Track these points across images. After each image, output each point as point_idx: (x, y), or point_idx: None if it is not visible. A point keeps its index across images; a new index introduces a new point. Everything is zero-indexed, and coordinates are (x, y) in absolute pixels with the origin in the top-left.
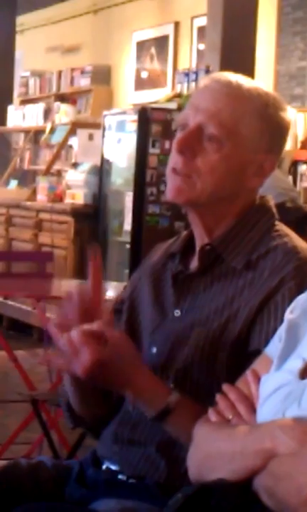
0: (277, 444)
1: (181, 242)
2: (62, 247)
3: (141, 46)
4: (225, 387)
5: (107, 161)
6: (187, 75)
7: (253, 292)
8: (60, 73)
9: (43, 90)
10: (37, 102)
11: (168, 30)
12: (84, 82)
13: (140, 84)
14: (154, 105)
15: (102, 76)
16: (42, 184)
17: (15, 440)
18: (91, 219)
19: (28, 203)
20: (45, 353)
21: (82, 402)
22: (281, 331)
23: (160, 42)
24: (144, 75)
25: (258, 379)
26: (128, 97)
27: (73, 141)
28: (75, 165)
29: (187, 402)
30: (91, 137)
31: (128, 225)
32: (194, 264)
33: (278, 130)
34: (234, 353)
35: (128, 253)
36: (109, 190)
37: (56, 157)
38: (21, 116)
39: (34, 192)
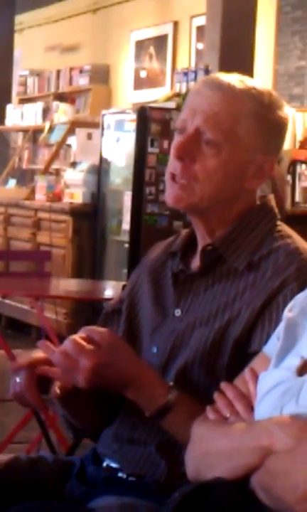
0: (274, 441)
1: (182, 241)
2: (60, 247)
3: (140, 45)
4: (223, 385)
5: (106, 160)
6: (186, 74)
7: (254, 293)
8: (58, 72)
9: (42, 89)
10: (35, 101)
11: (167, 29)
12: (83, 82)
13: (139, 83)
14: (153, 104)
15: (101, 75)
16: (41, 183)
17: (14, 439)
18: (89, 218)
19: (27, 202)
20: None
21: (78, 419)
22: (280, 329)
23: (159, 41)
24: (143, 74)
25: (256, 377)
26: (127, 96)
27: (72, 140)
28: (74, 164)
29: (186, 400)
30: (89, 136)
31: (126, 225)
32: (195, 263)
33: (276, 128)
34: (235, 354)
35: (126, 252)
36: (108, 190)
37: (55, 156)
38: (20, 116)
39: (32, 191)
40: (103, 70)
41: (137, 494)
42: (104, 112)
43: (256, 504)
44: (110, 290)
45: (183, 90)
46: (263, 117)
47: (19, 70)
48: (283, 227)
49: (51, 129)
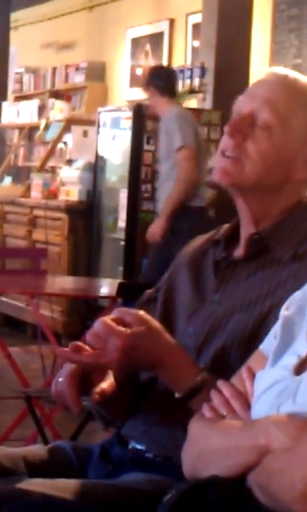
0: (271, 440)
1: (226, 231)
2: (56, 244)
3: (136, 43)
4: (220, 383)
5: (102, 157)
6: (182, 72)
7: (297, 284)
8: (54, 70)
9: (38, 87)
10: (31, 98)
11: (163, 27)
12: (78, 79)
13: (135, 80)
14: (149, 102)
15: (97, 73)
16: (37, 181)
17: (10, 437)
18: (85, 216)
19: (22, 200)
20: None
21: (112, 414)
22: (277, 327)
23: (155, 39)
24: (139, 71)
25: (253, 375)
26: (123, 93)
27: (68, 137)
28: (70, 162)
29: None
30: (85, 134)
31: (122, 222)
32: (238, 252)
33: None
34: None
35: (122, 250)
36: (104, 187)
37: (50, 154)
38: (16, 113)
39: (28, 188)
40: (99, 67)
41: (165, 473)
42: (99, 109)
43: (253, 503)
44: (106, 287)
45: (179, 88)
46: None
47: (15, 68)
48: None
49: (47, 127)
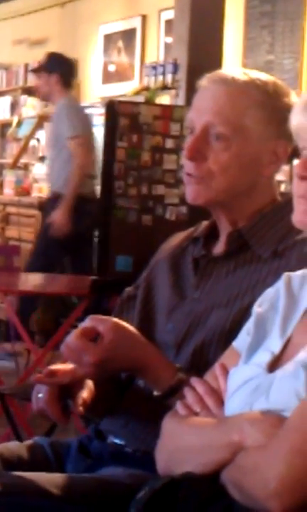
0: (245, 437)
1: (205, 228)
2: (29, 241)
3: (109, 39)
4: (193, 380)
5: None
6: (154, 68)
7: (276, 281)
8: (26, 66)
9: (10, 83)
10: (3, 95)
11: (136, 23)
12: None
13: (107, 77)
14: (122, 98)
15: None
16: (9, 178)
17: None
18: None
19: None
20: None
21: (93, 414)
22: (249, 324)
23: (128, 35)
24: (111, 68)
25: (226, 372)
26: (95, 90)
27: (40, 134)
28: (42, 158)
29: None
30: None
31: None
32: (217, 249)
33: (284, 115)
34: None
35: (96, 246)
36: None
37: (23, 151)
38: None
39: (1, 185)
40: None
41: (144, 467)
42: None
43: (227, 499)
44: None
45: (152, 84)
46: (269, 105)
47: None
48: None
49: (19, 123)
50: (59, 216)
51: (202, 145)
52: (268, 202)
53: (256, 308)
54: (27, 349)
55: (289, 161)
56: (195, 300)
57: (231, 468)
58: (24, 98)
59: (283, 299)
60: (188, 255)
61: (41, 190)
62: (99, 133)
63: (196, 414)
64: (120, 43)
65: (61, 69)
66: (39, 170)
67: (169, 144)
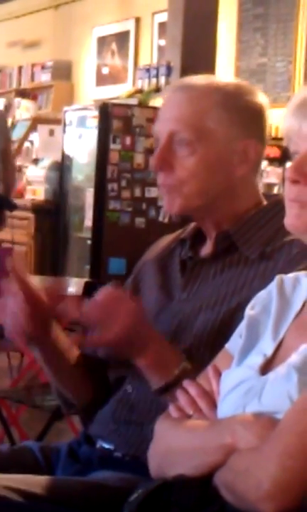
0: (237, 439)
1: (192, 230)
2: (22, 243)
3: (102, 42)
4: (186, 382)
5: (68, 156)
6: (148, 70)
7: (264, 283)
8: (20, 68)
9: (3, 86)
10: None
11: (129, 25)
12: (44, 78)
13: (101, 79)
14: (115, 101)
15: (63, 71)
16: None
17: None
18: (52, 215)
19: None
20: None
21: (70, 389)
22: (242, 327)
23: (121, 37)
24: (105, 70)
25: (219, 374)
26: (89, 92)
27: (34, 136)
28: (36, 161)
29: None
30: (52, 133)
31: (89, 221)
32: (205, 251)
33: (250, 113)
34: None
35: (89, 249)
36: (70, 186)
37: (17, 153)
38: None
39: None
40: (65, 66)
41: (134, 472)
42: (66, 108)
43: (219, 502)
44: (73, 287)
45: (145, 87)
46: (231, 106)
47: None
48: None
49: (13, 126)
50: None
51: (168, 154)
52: (252, 204)
53: (249, 311)
54: (20, 351)
55: (281, 163)
56: (183, 302)
57: (223, 471)
58: (18, 100)
59: (275, 302)
60: (176, 257)
61: (35, 193)
62: (92, 135)
63: (189, 416)
64: (114, 46)
65: None
66: (33, 172)
67: None
